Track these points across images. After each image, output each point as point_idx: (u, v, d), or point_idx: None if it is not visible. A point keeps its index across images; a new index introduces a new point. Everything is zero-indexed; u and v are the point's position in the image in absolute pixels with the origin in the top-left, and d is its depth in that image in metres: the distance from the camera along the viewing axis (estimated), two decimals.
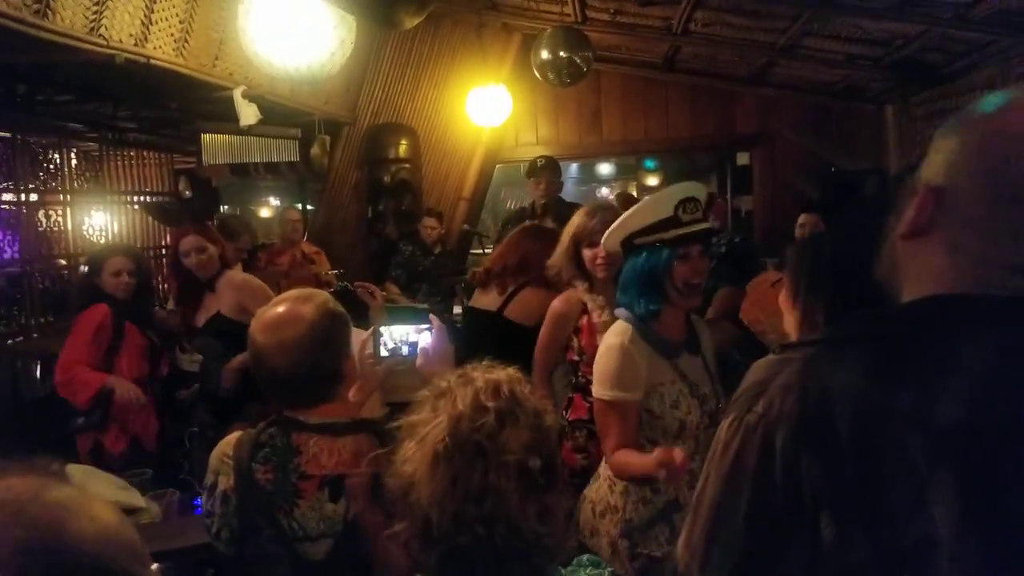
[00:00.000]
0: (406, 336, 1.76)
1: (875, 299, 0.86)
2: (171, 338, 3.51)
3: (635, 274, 1.98)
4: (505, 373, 1.08)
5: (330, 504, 1.45)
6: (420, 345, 1.74)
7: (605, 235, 2.10)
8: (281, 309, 1.53)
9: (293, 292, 1.61)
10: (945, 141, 0.80)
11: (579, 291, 2.54)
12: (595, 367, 2.02)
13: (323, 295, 1.61)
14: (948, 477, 0.67)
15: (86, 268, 3.48)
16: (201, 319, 3.36)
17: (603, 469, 2.11)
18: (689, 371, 2.01)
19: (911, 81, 4.64)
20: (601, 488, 2.08)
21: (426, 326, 1.76)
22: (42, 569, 0.52)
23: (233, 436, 1.54)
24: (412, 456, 1.02)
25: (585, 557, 1.18)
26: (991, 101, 0.80)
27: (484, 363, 1.12)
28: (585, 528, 2.09)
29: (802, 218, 4.52)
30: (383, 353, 1.78)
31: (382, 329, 1.78)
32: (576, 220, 2.54)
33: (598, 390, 1.98)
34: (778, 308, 2.39)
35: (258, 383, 1.53)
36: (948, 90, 4.42)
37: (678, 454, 1.67)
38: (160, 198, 5.90)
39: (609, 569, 1.15)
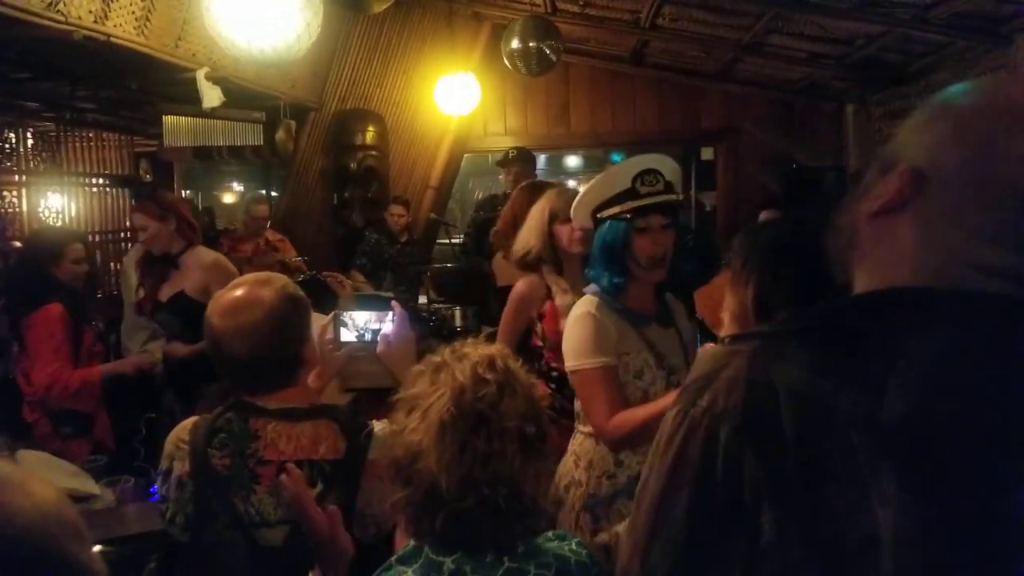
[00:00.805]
0: (368, 323, 1.76)
1: (811, 286, 0.85)
2: (111, 326, 3.45)
3: (598, 248, 1.98)
4: (496, 348, 1.15)
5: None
6: (381, 332, 1.73)
7: (572, 209, 2.10)
8: (239, 292, 1.51)
9: (251, 275, 1.58)
10: (930, 125, 0.77)
11: (544, 273, 2.53)
12: (565, 341, 2.01)
13: (282, 278, 1.58)
14: (891, 476, 0.66)
15: (33, 255, 3.19)
16: (165, 295, 3.24)
17: (571, 445, 2.12)
18: (658, 341, 2.01)
19: (871, 80, 4.73)
20: (567, 463, 2.09)
21: (388, 313, 1.76)
22: None
23: (189, 421, 1.52)
24: (417, 427, 1.07)
25: (550, 532, 1.22)
26: (985, 91, 0.78)
27: (471, 340, 1.18)
28: (551, 504, 2.09)
29: (763, 214, 4.59)
30: (344, 338, 1.77)
31: (343, 315, 1.77)
32: (547, 199, 2.51)
33: (573, 362, 1.95)
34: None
35: (216, 367, 1.51)
36: (907, 90, 4.51)
37: None
38: (120, 180, 5.79)
39: (575, 539, 1.20)
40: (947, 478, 0.66)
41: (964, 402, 0.68)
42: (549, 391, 2.43)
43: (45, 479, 0.59)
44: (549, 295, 2.53)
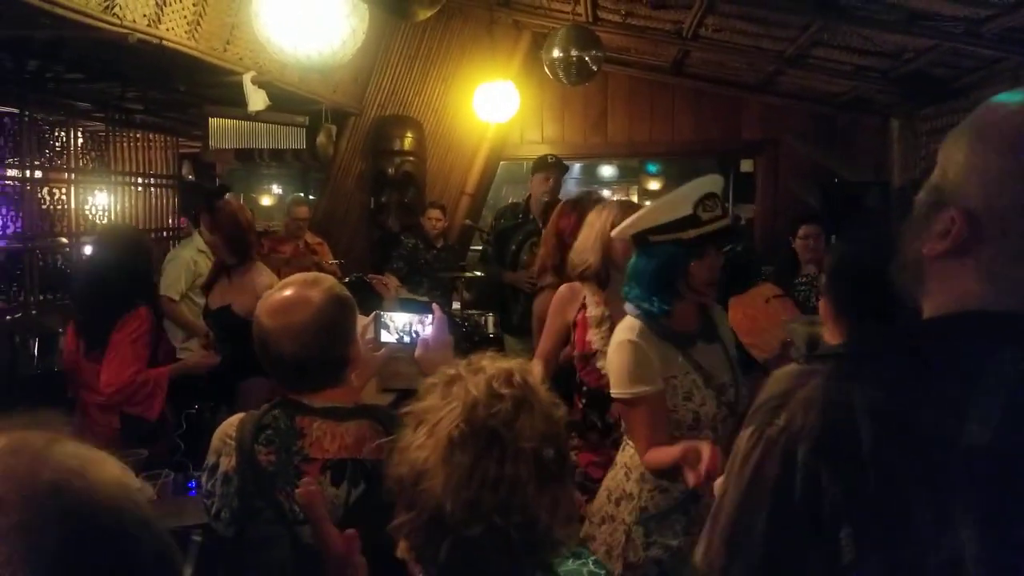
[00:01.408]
0: (408, 325, 1.76)
1: (889, 303, 0.84)
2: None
3: (648, 272, 1.94)
4: (516, 362, 1.06)
5: (332, 488, 1.45)
6: (421, 335, 1.73)
7: (619, 228, 2.05)
8: (288, 292, 1.53)
9: (299, 276, 1.60)
10: (975, 156, 0.75)
11: (584, 283, 2.51)
12: (608, 364, 2.00)
13: (330, 279, 1.60)
14: (973, 499, 0.65)
15: (130, 253, 3.06)
16: (216, 302, 3.26)
17: (620, 457, 2.11)
18: (704, 360, 1.99)
19: (918, 95, 4.65)
20: (617, 475, 2.07)
21: (428, 316, 1.76)
22: (76, 508, 0.53)
23: (236, 417, 1.54)
24: (424, 443, 0.99)
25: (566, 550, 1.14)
26: (1021, 112, 0.75)
27: (490, 353, 1.09)
28: (596, 515, 2.08)
29: (803, 229, 4.52)
30: (384, 339, 1.78)
31: (384, 316, 1.77)
32: (608, 212, 2.44)
33: (616, 390, 1.96)
34: (769, 325, 2.41)
35: (264, 366, 1.53)
36: (955, 106, 4.43)
37: (705, 450, 1.66)
38: (165, 180, 5.90)
39: (592, 558, 1.15)
40: None
41: None
42: (580, 406, 2.43)
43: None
44: (584, 305, 2.53)
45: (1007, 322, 0.72)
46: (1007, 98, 0.77)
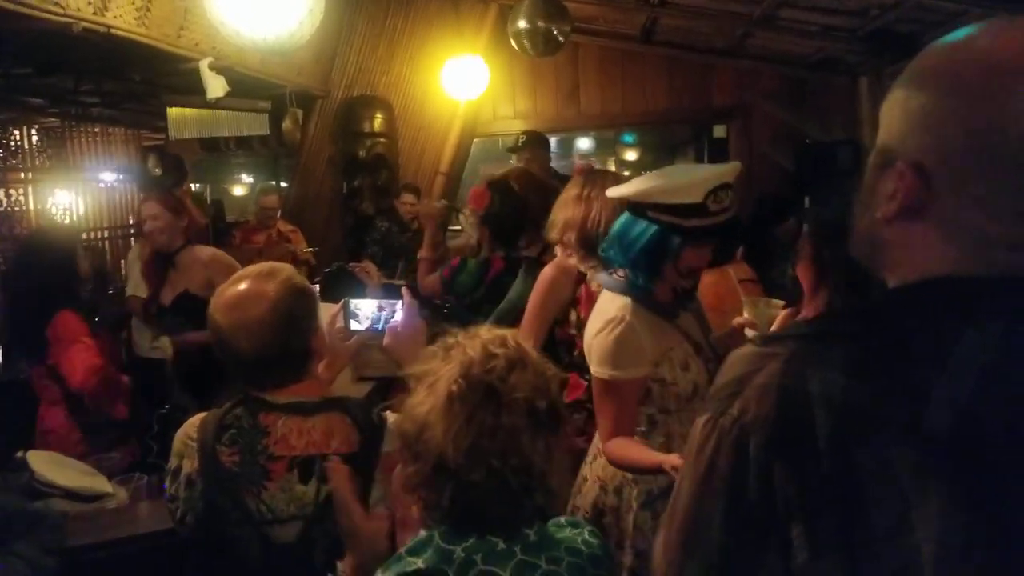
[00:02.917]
0: (377, 312, 1.71)
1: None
2: (122, 323, 3.42)
3: (639, 246, 1.82)
4: (507, 331, 1.15)
5: (300, 486, 1.40)
6: (390, 322, 1.68)
7: (618, 189, 1.94)
8: (243, 287, 1.46)
9: (254, 267, 1.52)
10: (913, 101, 0.69)
11: (574, 257, 2.41)
12: (594, 342, 1.90)
13: (287, 269, 1.53)
14: (935, 492, 0.61)
15: (50, 252, 3.02)
16: (167, 297, 3.23)
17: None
18: (690, 329, 1.96)
19: (885, 52, 4.63)
20: (610, 467, 1.97)
21: (398, 302, 1.70)
22: None
23: (197, 418, 1.48)
24: (425, 399, 1.07)
25: (562, 518, 1.19)
26: (959, 46, 0.68)
27: (486, 327, 1.18)
28: (592, 511, 1.99)
29: (778, 229, 4.51)
30: (355, 328, 1.73)
31: (352, 303, 1.72)
32: (590, 182, 2.37)
33: (596, 368, 1.88)
34: (732, 310, 2.37)
35: (224, 364, 1.48)
36: None
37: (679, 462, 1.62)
38: (128, 174, 5.77)
39: (588, 527, 1.18)
40: (998, 493, 0.60)
41: (1014, 415, 0.61)
42: (584, 382, 2.36)
43: None
44: (581, 278, 2.45)
45: (975, 292, 0.66)
46: (943, 39, 0.71)
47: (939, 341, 0.65)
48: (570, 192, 2.47)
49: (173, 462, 1.47)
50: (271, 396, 1.45)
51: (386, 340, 1.66)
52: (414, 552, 1.06)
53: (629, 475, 1.94)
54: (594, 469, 2.04)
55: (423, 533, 1.08)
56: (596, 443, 2.07)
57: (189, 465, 1.43)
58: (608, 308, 1.90)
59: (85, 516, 2.27)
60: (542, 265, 2.65)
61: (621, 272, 1.93)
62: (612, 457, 1.87)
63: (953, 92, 0.67)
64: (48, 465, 2.41)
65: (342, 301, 1.75)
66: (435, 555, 1.03)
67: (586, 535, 1.16)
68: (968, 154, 0.66)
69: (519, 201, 2.97)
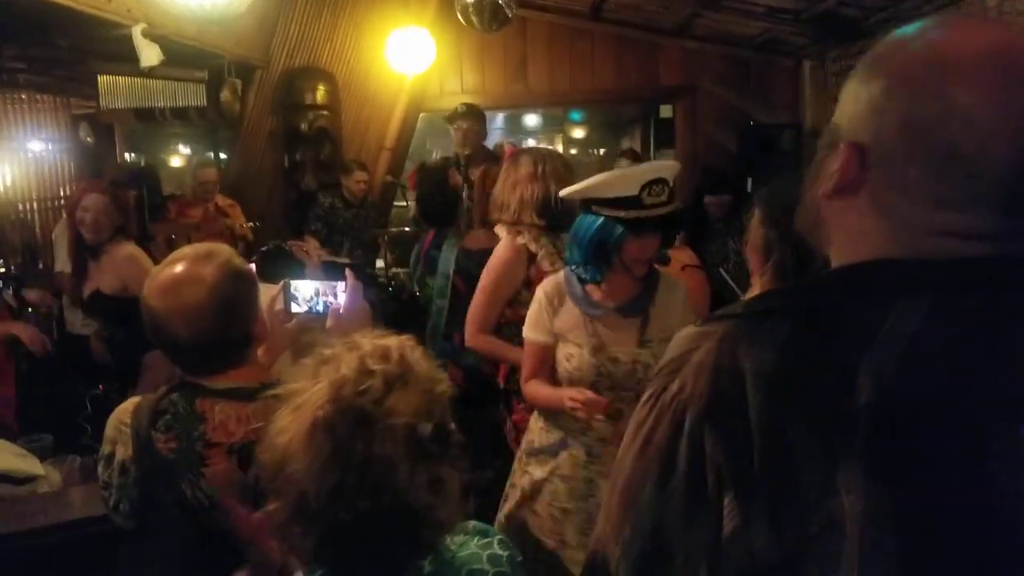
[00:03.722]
0: (319, 293, 1.67)
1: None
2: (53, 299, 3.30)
3: (586, 239, 1.98)
4: (397, 339, 1.02)
5: (239, 472, 1.36)
6: (332, 304, 1.64)
7: (569, 189, 2.08)
8: (178, 269, 1.39)
9: (190, 248, 1.45)
10: (864, 86, 0.72)
11: (525, 237, 2.48)
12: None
13: (226, 251, 1.46)
14: (857, 461, 0.63)
15: None
16: (86, 290, 3.12)
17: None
18: (606, 331, 2.04)
19: (828, 36, 4.71)
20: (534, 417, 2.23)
21: (340, 283, 1.66)
22: None
23: (131, 402, 1.43)
24: (287, 426, 0.93)
25: (471, 524, 1.11)
26: (913, 38, 0.72)
27: (378, 331, 1.05)
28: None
29: (707, 199, 4.61)
30: (295, 310, 1.69)
31: (293, 284, 1.68)
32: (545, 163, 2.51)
33: (524, 328, 2.15)
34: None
35: (158, 349, 1.42)
36: (863, 46, 4.48)
37: (590, 400, 1.88)
38: (59, 144, 5.52)
39: (498, 537, 1.09)
40: (921, 461, 0.63)
41: (939, 385, 0.64)
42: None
43: None
44: (532, 260, 2.48)
45: (902, 273, 0.69)
46: (900, 31, 0.74)
47: (867, 318, 0.67)
48: (520, 172, 2.48)
49: (106, 448, 1.42)
50: (208, 382, 1.40)
51: (329, 323, 1.62)
52: None
53: (531, 429, 2.21)
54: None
55: None
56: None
57: (123, 451, 1.38)
58: (546, 281, 2.16)
59: (15, 500, 2.19)
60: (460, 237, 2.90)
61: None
62: (528, 397, 2.18)
63: (898, 81, 0.70)
64: None
65: (282, 282, 1.70)
66: None
67: (495, 547, 1.07)
68: (903, 141, 0.69)
69: (442, 186, 3.17)
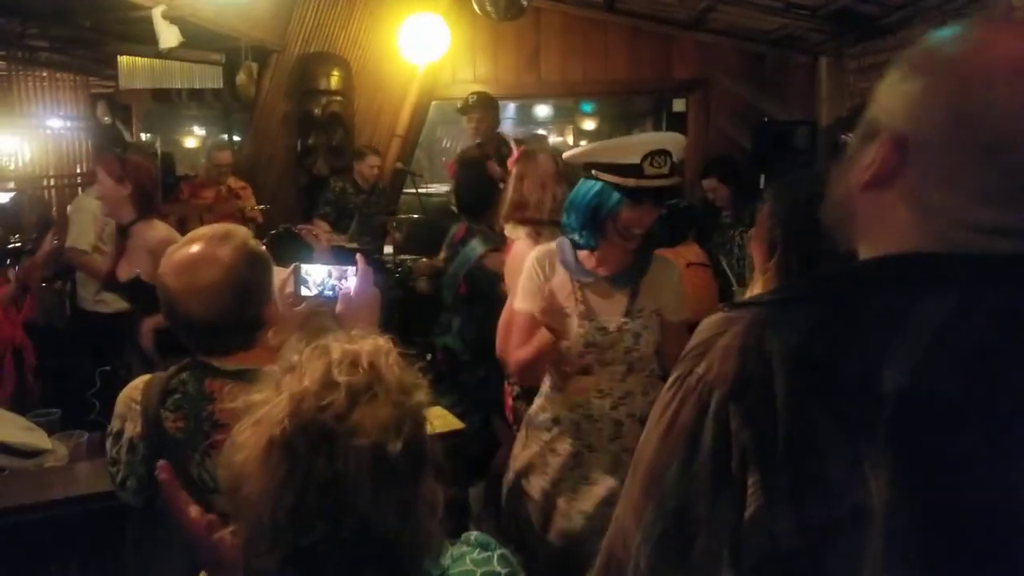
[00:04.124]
0: (329, 277, 1.67)
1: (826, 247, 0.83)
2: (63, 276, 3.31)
3: (583, 204, 1.98)
4: (370, 343, 0.93)
5: None
6: (342, 289, 1.65)
7: (572, 152, 2.08)
8: (195, 249, 1.41)
9: (208, 229, 1.48)
10: (906, 83, 0.74)
11: (545, 237, 2.46)
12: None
13: (243, 233, 1.48)
14: (886, 448, 0.64)
15: None
16: (124, 273, 3.01)
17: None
18: (595, 299, 2.05)
19: (846, 33, 4.67)
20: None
21: (350, 268, 1.66)
22: None
23: (141, 380, 1.45)
24: (245, 442, 0.87)
25: (473, 535, 1.04)
26: (957, 38, 0.74)
27: (353, 332, 0.97)
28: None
29: (705, 184, 4.65)
30: (305, 294, 1.69)
31: (303, 268, 1.68)
32: (543, 158, 2.53)
33: (512, 299, 2.15)
34: (707, 298, 2.44)
35: (172, 329, 1.45)
36: (882, 44, 4.47)
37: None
38: (77, 122, 5.57)
39: (499, 552, 1.02)
40: (946, 451, 0.65)
41: (965, 377, 0.66)
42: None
43: None
44: None
45: (933, 265, 0.71)
46: (940, 32, 0.76)
47: (895, 307, 0.69)
48: (543, 170, 2.56)
49: (115, 424, 1.44)
50: (219, 362, 1.42)
51: (338, 307, 1.63)
52: None
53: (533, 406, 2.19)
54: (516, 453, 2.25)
55: None
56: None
57: (132, 428, 1.40)
58: (536, 249, 2.15)
59: (22, 474, 2.23)
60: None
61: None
62: (518, 369, 2.15)
63: (942, 77, 0.72)
64: None
65: (293, 266, 1.70)
66: None
67: (494, 563, 0.99)
68: (944, 132, 0.70)
69: (479, 176, 3.16)
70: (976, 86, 0.69)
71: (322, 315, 1.68)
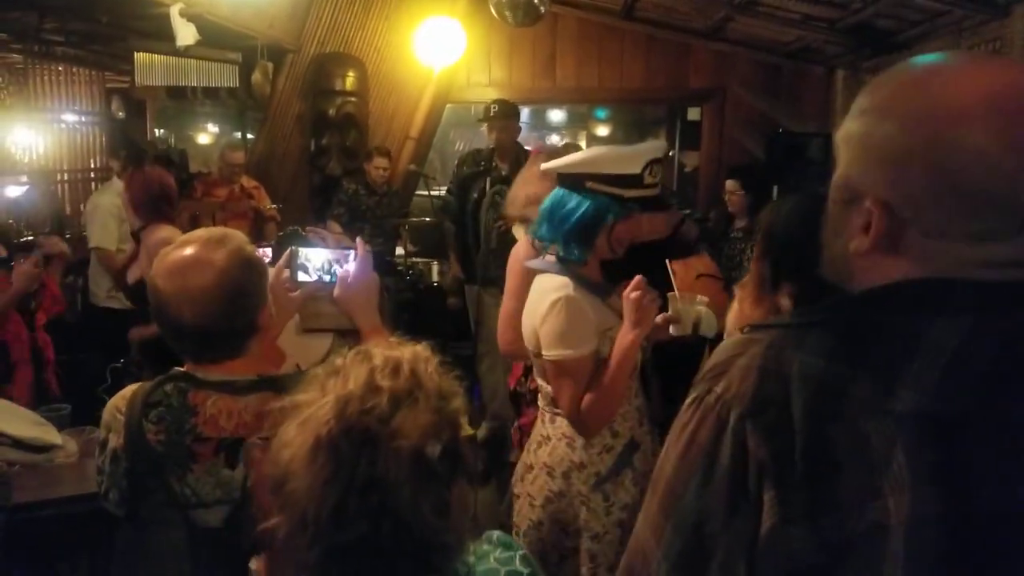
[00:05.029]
0: (328, 263, 1.64)
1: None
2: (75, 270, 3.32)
3: (575, 219, 1.87)
4: (411, 350, 0.97)
5: (226, 470, 1.35)
6: (340, 272, 1.61)
7: (553, 163, 1.97)
8: (188, 252, 1.36)
9: (203, 231, 1.43)
10: (877, 131, 0.73)
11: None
12: (542, 328, 1.89)
13: (238, 237, 1.44)
14: (904, 465, 0.65)
15: None
16: (132, 274, 3.05)
17: (552, 430, 2.02)
18: (620, 310, 1.95)
19: (863, 46, 4.66)
20: (558, 448, 1.98)
21: (349, 252, 1.63)
22: None
23: (129, 389, 1.42)
24: (291, 440, 0.90)
25: (495, 535, 1.07)
26: (923, 77, 0.72)
27: (393, 339, 1.01)
28: (539, 497, 2.01)
29: (728, 184, 4.59)
30: (302, 279, 1.65)
31: (301, 252, 1.64)
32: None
33: (553, 351, 1.87)
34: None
35: (161, 332, 1.41)
36: (898, 58, 4.43)
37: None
38: (91, 117, 5.60)
39: (520, 552, 1.05)
40: (965, 467, 0.65)
41: (981, 396, 0.67)
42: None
43: None
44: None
45: (947, 289, 0.71)
46: (904, 67, 0.75)
47: (912, 329, 0.70)
48: (532, 168, 2.49)
49: (102, 433, 1.42)
50: (203, 373, 1.39)
51: (336, 291, 1.59)
52: None
53: (576, 459, 1.95)
54: (539, 456, 2.03)
55: None
56: (538, 431, 2.07)
57: (115, 440, 1.38)
58: (548, 290, 1.90)
59: (33, 470, 2.24)
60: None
61: (551, 253, 1.96)
62: (594, 411, 1.86)
63: (913, 133, 0.71)
64: None
65: (288, 250, 1.66)
66: None
67: (517, 563, 1.03)
68: (932, 194, 0.70)
69: None
70: (949, 141, 0.68)
71: (320, 300, 1.64)
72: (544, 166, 2.04)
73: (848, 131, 0.77)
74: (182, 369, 1.41)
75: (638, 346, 1.85)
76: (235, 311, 1.36)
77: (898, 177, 0.72)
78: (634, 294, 1.80)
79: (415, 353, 0.96)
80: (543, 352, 1.90)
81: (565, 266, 1.91)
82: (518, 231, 2.56)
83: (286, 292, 1.60)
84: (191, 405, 1.35)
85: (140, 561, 1.39)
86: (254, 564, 1.09)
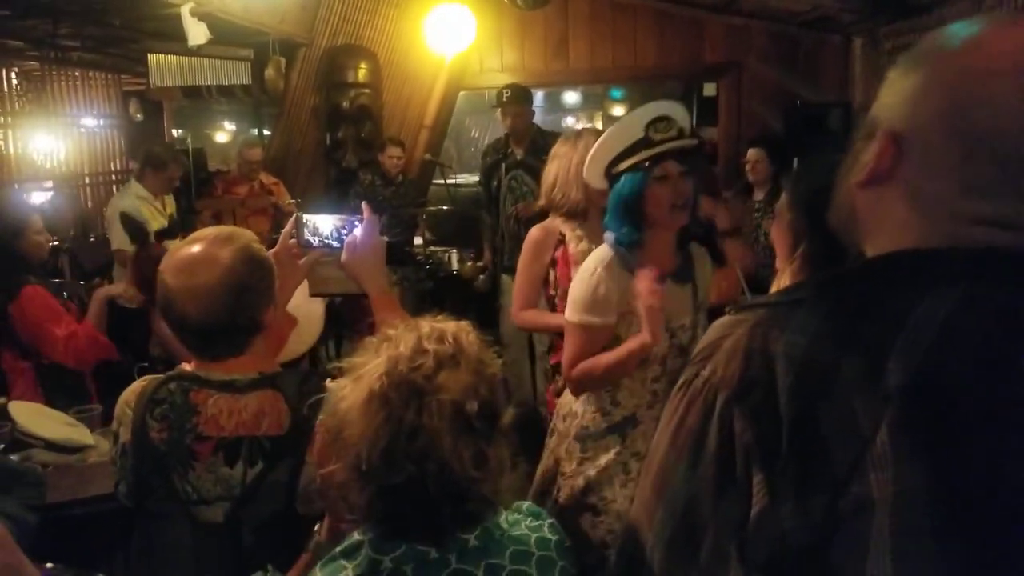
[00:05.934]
0: (335, 229, 1.64)
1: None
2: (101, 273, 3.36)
3: (616, 202, 1.94)
4: (455, 324, 1.08)
5: (225, 468, 1.37)
6: (347, 238, 1.62)
7: (585, 169, 2.05)
8: (196, 249, 1.39)
9: (212, 230, 1.45)
10: (905, 79, 0.74)
11: (557, 220, 2.50)
12: (570, 290, 2.01)
13: (247, 236, 1.45)
14: (891, 440, 0.65)
15: None
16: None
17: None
18: (668, 300, 1.94)
19: (881, 12, 4.57)
20: (566, 395, 2.14)
21: (356, 218, 1.63)
22: None
23: (138, 384, 1.45)
24: (348, 394, 1.02)
25: (525, 505, 1.15)
26: (957, 34, 0.73)
27: (440, 316, 1.11)
28: (552, 432, 2.20)
29: (750, 153, 4.52)
30: (310, 242, 1.65)
31: (307, 219, 1.65)
32: (584, 146, 2.39)
33: (569, 312, 1.99)
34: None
35: (169, 327, 1.43)
36: (917, 23, 4.35)
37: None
38: (110, 120, 5.66)
39: (549, 521, 1.14)
40: (954, 441, 0.64)
41: (971, 370, 0.66)
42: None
43: None
44: (562, 241, 2.50)
45: (938, 259, 0.71)
46: (943, 29, 0.76)
47: (899, 303, 0.69)
48: (560, 148, 2.50)
49: (114, 426, 1.45)
50: (205, 371, 1.41)
51: (344, 256, 1.60)
52: (347, 555, 1.02)
53: (575, 407, 2.10)
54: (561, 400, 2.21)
55: (356, 536, 1.04)
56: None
57: (125, 434, 1.41)
58: (592, 259, 2.00)
59: (66, 470, 2.28)
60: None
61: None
62: (582, 378, 1.97)
63: (937, 73, 0.72)
64: (30, 416, 2.41)
65: (295, 215, 1.68)
66: (365, 563, 0.99)
67: (545, 531, 1.11)
68: (939, 127, 0.71)
69: None
70: (974, 79, 0.70)
71: (328, 264, 1.65)
72: (585, 176, 2.12)
73: (887, 76, 0.78)
74: (187, 367, 1.44)
75: (647, 352, 1.88)
76: (239, 308, 1.37)
77: (912, 109, 0.73)
78: (651, 302, 1.80)
79: (459, 326, 1.08)
80: (565, 311, 2.03)
81: (621, 245, 1.95)
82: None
83: (293, 259, 1.61)
84: (193, 404, 1.38)
85: (150, 555, 1.43)
86: (317, 527, 1.22)
